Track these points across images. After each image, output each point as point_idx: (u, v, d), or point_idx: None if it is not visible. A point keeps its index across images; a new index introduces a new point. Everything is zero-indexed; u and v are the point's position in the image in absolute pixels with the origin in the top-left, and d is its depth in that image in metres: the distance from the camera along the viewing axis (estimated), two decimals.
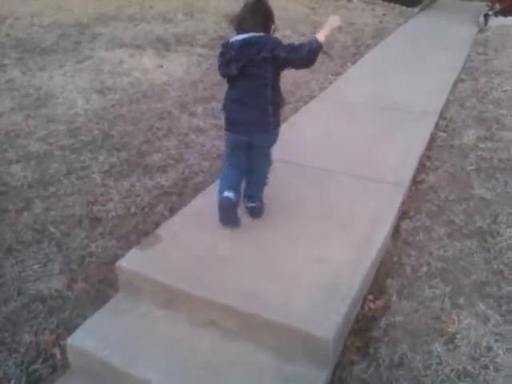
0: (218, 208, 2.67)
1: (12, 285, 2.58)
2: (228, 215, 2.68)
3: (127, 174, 3.58)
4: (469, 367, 2.04)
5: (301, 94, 5.00)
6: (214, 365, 2.05)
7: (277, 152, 2.80)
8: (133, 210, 3.15)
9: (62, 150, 3.94)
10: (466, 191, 3.29)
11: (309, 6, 9.98)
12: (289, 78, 5.19)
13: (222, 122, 4.36)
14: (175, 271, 2.38)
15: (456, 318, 2.26)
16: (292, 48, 2.46)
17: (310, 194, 3.03)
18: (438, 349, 2.12)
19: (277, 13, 2.64)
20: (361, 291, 2.34)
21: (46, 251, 2.80)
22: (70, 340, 2.18)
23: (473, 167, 3.59)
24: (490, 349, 2.11)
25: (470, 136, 4.08)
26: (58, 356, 2.21)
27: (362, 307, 2.37)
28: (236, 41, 2.48)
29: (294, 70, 2.67)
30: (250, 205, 2.80)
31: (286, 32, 7.17)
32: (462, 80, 5.61)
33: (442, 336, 2.19)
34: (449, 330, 2.21)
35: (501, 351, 2.09)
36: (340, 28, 7.98)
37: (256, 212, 2.80)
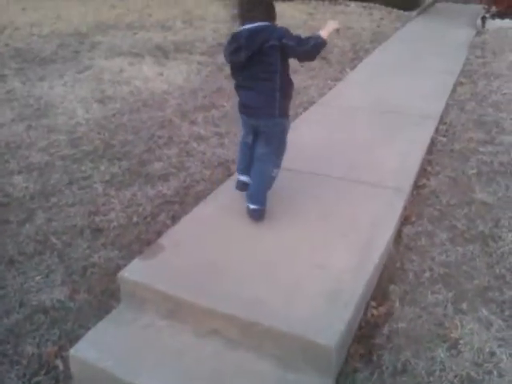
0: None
1: (14, 296, 2.58)
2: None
3: (129, 183, 3.59)
4: (472, 373, 2.04)
5: (300, 100, 5.00)
6: (217, 374, 2.04)
7: None
8: (135, 219, 3.15)
9: (64, 160, 3.95)
10: (468, 195, 3.30)
11: (306, 12, 10.02)
12: None
13: (222, 129, 4.44)
14: (178, 281, 2.38)
15: (459, 324, 2.26)
16: (299, 39, 2.58)
17: (311, 200, 3.04)
18: (442, 355, 2.12)
19: None
20: (363, 298, 2.34)
21: (48, 262, 2.81)
22: (72, 351, 2.17)
23: (474, 171, 3.59)
24: (493, 354, 2.11)
25: (470, 140, 4.09)
26: (61, 367, 2.21)
27: (365, 314, 2.37)
28: (245, 30, 2.59)
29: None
30: (252, 207, 2.79)
31: None
32: (461, 83, 5.62)
33: (445, 342, 2.19)
34: (452, 335, 2.21)
35: (504, 356, 2.09)
36: (338, 33, 8.02)
37: (255, 215, 2.79)
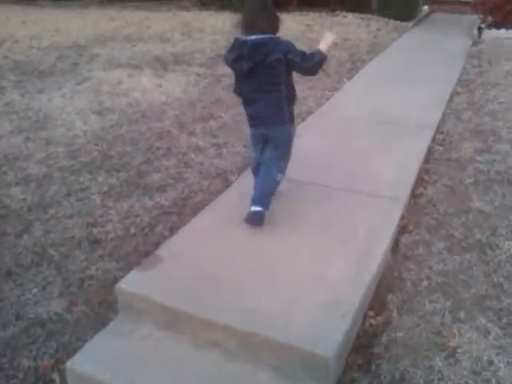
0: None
1: (10, 309, 2.56)
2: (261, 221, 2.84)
3: (127, 194, 3.59)
4: (470, 382, 2.03)
5: (299, 111, 5.01)
6: None
7: None
8: (132, 230, 3.15)
9: (62, 171, 3.96)
10: (465, 204, 3.30)
11: (304, 24, 10.09)
12: None
13: (220, 140, 4.46)
14: (176, 292, 2.38)
15: (457, 332, 2.26)
16: (304, 55, 2.69)
17: (308, 210, 3.04)
18: (440, 364, 2.11)
19: None
20: (361, 307, 2.34)
21: (46, 274, 2.80)
22: (69, 364, 2.16)
23: (471, 180, 3.60)
24: (491, 363, 2.10)
25: (467, 149, 4.10)
26: (58, 381, 2.19)
27: (363, 323, 2.36)
28: (249, 41, 2.64)
29: None
30: (253, 208, 2.79)
31: None
32: (458, 93, 5.65)
33: (443, 351, 2.18)
34: (450, 344, 2.20)
35: (502, 365, 2.08)
36: (335, 44, 8.08)
37: (255, 217, 2.78)
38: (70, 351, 2.29)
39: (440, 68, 6.71)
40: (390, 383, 2.06)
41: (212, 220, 3.01)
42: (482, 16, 9.49)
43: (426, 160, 3.92)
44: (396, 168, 3.60)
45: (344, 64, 7.06)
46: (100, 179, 3.81)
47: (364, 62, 7.20)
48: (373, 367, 2.15)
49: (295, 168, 3.45)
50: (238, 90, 2.86)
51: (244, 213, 2.83)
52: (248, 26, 2.68)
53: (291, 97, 2.83)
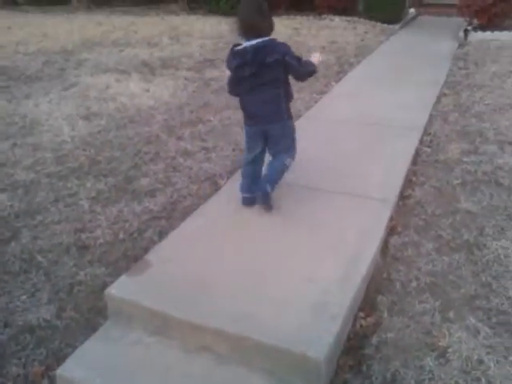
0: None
1: None
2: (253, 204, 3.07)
3: (115, 199, 3.57)
4: (461, 381, 2.04)
5: None
6: None
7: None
8: (121, 236, 3.13)
9: (49, 177, 3.93)
10: (453, 205, 3.33)
11: (292, 27, 10.12)
12: None
13: (209, 144, 4.45)
14: (165, 297, 2.37)
15: (447, 332, 2.27)
16: (299, 61, 2.82)
17: (297, 212, 3.05)
18: (430, 363, 2.12)
19: None
20: (352, 309, 2.34)
21: (34, 281, 2.78)
22: (59, 371, 2.15)
23: (458, 181, 3.63)
24: (481, 362, 2.12)
25: (454, 150, 4.13)
26: None
27: (354, 325, 2.37)
28: (250, 46, 2.73)
29: None
30: (258, 192, 2.94)
31: None
32: (445, 95, 5.70)
33: (433, 351, 2.19)
34: (440, 344, 2.22)
35: (492, 364, 2.10)
36: (323, 47, 8.12)
37: (265, 198, 2.92)
38: (60, 358, 2.27)
39: (427, 70, 6.76)
40: None
41: (201, 224, 3.01)
42: (467, 19, 9.57)
43: (414, 162, 3.95)
44: (384, 170, 3.61)
45: (332, 67, 7.09)
46: (88, 185, 3.79)
47: (351, 65, 7.23)
48: (364, 368, 2.15)
49: None
50: (236, 90, 2.95)
51: (234, 217, 2.84)
52: (246, 30, 2.76)
53: (289, 93, 2.97)
